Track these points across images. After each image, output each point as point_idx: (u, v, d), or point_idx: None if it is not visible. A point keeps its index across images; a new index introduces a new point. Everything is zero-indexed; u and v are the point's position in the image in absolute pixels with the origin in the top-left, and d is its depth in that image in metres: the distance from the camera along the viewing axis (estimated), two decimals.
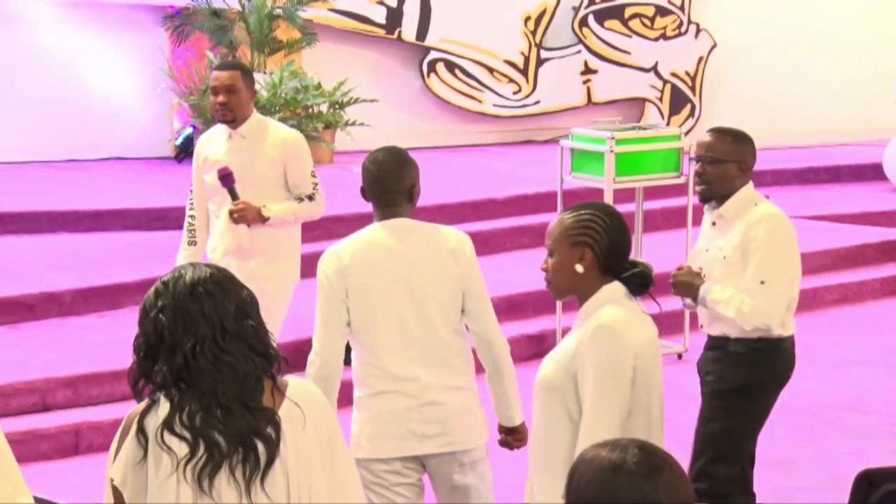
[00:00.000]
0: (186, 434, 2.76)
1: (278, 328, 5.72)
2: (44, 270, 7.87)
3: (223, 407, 2.77)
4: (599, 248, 3.47)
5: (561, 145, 7.65)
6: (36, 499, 3.09)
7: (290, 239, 5.91)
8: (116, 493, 2.84)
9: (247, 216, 5.63)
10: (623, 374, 3.39)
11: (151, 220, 8.92)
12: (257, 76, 8.92)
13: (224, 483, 2.77)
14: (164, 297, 2.85)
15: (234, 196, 5.66)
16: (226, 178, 5.69)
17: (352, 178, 10.34)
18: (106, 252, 8.32)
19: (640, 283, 3.50)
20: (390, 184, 4.24)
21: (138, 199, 9.25)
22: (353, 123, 10.27)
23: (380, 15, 11.16)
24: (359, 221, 8.77)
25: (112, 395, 6.54)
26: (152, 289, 2.89)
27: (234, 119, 5.71)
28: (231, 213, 5.63)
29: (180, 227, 9.18)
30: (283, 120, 8.52)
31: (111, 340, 7.07)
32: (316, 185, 5.82)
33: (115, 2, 10.54)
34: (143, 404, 2.83)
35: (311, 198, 5.80)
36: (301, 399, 2.86)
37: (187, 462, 2.76)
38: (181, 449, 2.77)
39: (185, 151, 10.67)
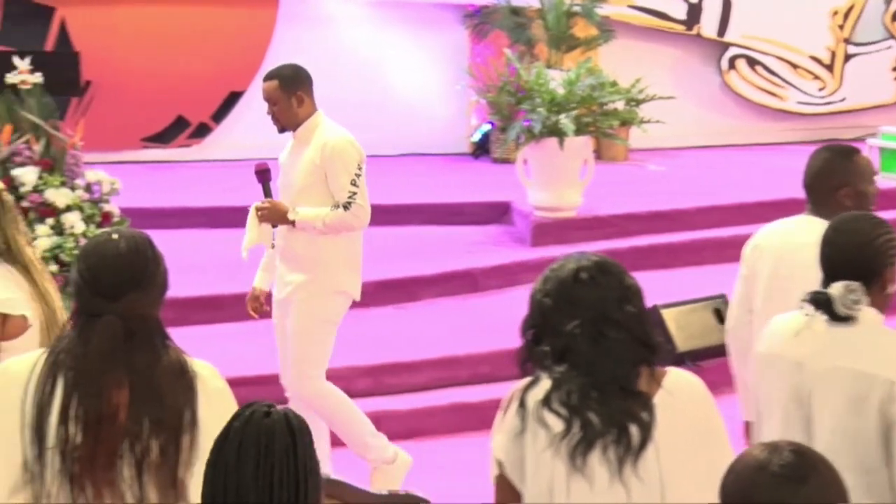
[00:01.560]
0: (563, 411, 2.85)
1: (297, 344, 5.42)
2: None
3: (600, 389, 2.85)
4: None
5: (868, 144, 7.39)
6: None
7: (327, 248, 5.44)
8: (499, 464, 2.94)
9: (271, 216, 5.47)
10: None
11: (447, 214, 9.07)
12: (553, 73, 8.95)
13: (596, 462, 2.84)
14: (549, 282, 2.96)
15: (266, 193, 5.53)
16: (259, 173, 5.57)
17: (646, 175, 10.29)
18: (404, 246, 8.50)
19: None
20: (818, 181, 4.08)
21: (435, 194, 9.42)
22: (649, 121, 10.17)
23: (680, 11, 11.02)
24: (650, 221, 8.77)
25: (409, 384, 6.69)
26: (542, 273, 3.00)
27: (281, 128, 5.63)
28: (257, 209, 5.53)
29: (475, 223, 9.36)
30: (578, 118, 8.50)
31: (408, 332, 7.23)
32: (353, 194, 5.36)
33: (418, 1, 10.78)
34: (526, 380, 2.94)
35: (346, 207, 5.36)
36: (677, 389, 2.89)
37: (562, 438, 2.84)
38: (557, 425, 2.86)
39: (481, 148, 10.82)
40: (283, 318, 5.52)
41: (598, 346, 2.85)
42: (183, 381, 2.89)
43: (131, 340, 2.87)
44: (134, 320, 2.88)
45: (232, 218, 8.70)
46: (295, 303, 5.45)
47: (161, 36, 10.41)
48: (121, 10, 10.37)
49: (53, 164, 7.03)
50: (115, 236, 2.95)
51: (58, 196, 6.95)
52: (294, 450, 2.45)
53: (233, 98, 10.64)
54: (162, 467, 2.85)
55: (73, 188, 7.03)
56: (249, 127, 10.66)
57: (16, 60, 7.07)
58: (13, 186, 6.93)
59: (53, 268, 6.88)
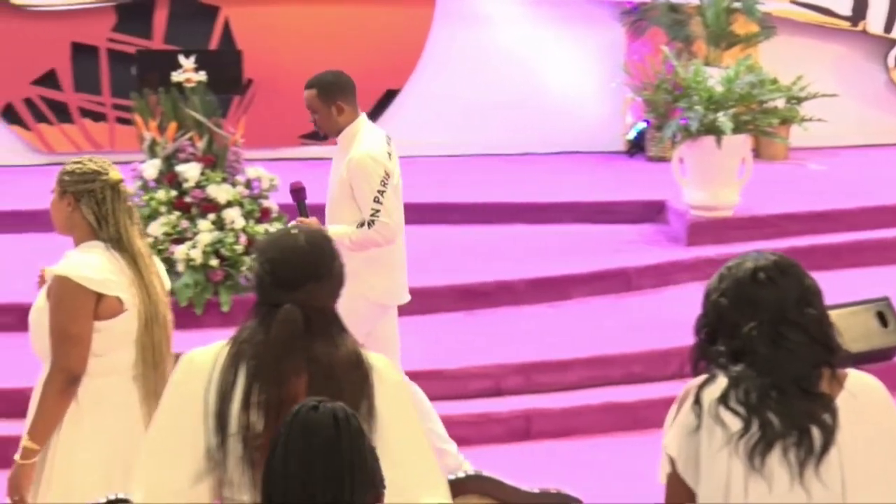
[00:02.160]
0: (741, 410, 2.81)
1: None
2: (498, 260, 8.12)
3: (780, 389, 2.80)
4: None
5: None
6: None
7: (357, 258, 5.28)
8: (671, 463, 2.91)
9: None
10: None
11: (601, 213, 9.01)
12: (712, 71, 8.83)
13: (776, 463, 2.79)
14: (726, 281, 2.91)
15: (301, 212, 5.48)
16: (294, 192, 5.56)
17: (806, 174, 10.08)
18: (557, 243, 8.48)
19: None
20: None
21: (589, 192, 9.37)
22: (811, 119, 9.96)
23: (844, 7, 10.77)
24: (810, 221, 8.59)
25: (560, 383, 6.67)
26: (717, 272, 2.95)
27: (324, 135, 5.64)
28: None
29: (629, 221, 9.28)
30: (736, 116, 8.38)
31: (560, 330, 7.21)
32: (376, 211, 5.35)
33: None
34: (701, 377, 2.90)
35: (370, 224, 5.36)
36: (860, 391, 2.85)
37: (740, 437, 2.80)
38: (734, 424, 2.81)
39: (636, 147, 10.72)
40: None
41: (777, 347, 2.81)
42: (359, 373, 2.93)
43: (310, 330, 2.92)
44: (312, 311, 2.93)
45: None
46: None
47: (320, 34, 10.55)
48: (282, 10, 10.54)
49: (215, 160, 7.18)
50: (294, 231, 3.03)
51: (219, 192, 7.10)
52: (338, 444, 2.46)
53: (389, 96, 10.74)
54: None
55: (233, 184, 7.18)
56: (405, 125, 10.73)
57: (181, 59, 7.24)
58: (177, 182, 7.10)
59: (214, 262, 7.03)
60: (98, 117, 10.42)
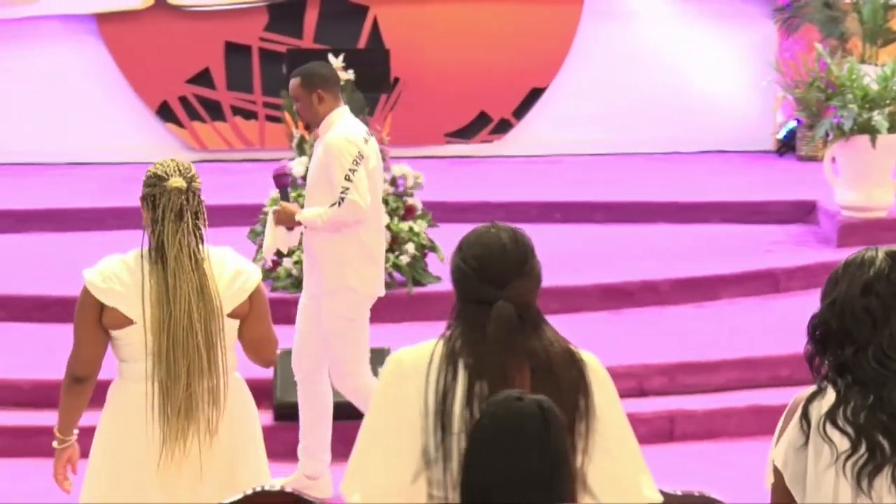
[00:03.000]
0: (849, 429, 2.76)
1: (329, 343, 5.54)
2: (643, 259, 8.06)
3: (889, 413, 2.74)
4: None
5: None
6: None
7: (338, 247, 5.51)
8: (777, 473, 2.87)
9: (282, 218, 5.52)
10: None
11: (749, 213, 8.89)
12: (867, 68, 8.63)
13: (885, 487, 2.74)
14: (842, 282, 2.83)
15: (283, 197, 5.60)
16: (277, 177, 5.65)
17: None
18: (703, 243, 8.38)
19: None
20: None
21: (737, 192, 9.25)
22: None
23: None
24: None
25: (706, 385, 6.59)
26: (833, 272, 2.88)
27: (306, 125, 5.66)
28: (273, 213, 5.58)
29: (778, 222, 9.13)
30: (892, 115, 8.18)
31: (707, 331, 7.12)
32: (346, 189, 5.40)
33: None
34: (809, 389, 2.85)
35: (340, 203, 5.41)
36: None
37: (847, 458, 2.75)
38: (842, 443, 2.77)
39: (787, 146, 10.54)
40: (309, 306, 5.63)
41: (883, 368, 2.74)
42: (574, 369, 2.93)
43: (523, 326, 2.91)
44: (521, 307, 2.92)
45: (528, 213, 8.81)
46: (319, 303, 5.56)
47: (466, 32, 10.59)
48: (429, 8, 10.60)
49: None
50: (493, 229, 3.01)
51: None
52: (547, 434, 2.44)
53: (534, 94, 10.73)
54: None
55: None
56: (550, 123, 10.73)
57: (330, 58, 7.33)
58: None
59: None
60: (249, 115, 10.62)
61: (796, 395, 2.88)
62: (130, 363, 3.89)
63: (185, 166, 3.89)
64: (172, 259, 3.80)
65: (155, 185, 3.85)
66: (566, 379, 2.89)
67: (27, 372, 6.49)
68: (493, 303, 2.90)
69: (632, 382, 6.56)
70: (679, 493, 3.25)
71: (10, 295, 7.38)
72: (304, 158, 7.24)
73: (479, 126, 10.75)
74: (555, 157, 10.57)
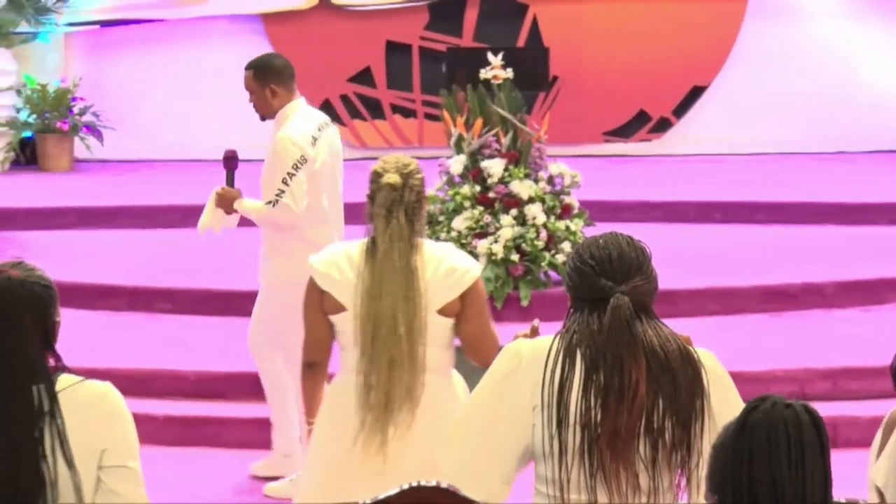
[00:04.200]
0: None
1: (256, 326, 5.63)
2: (806, 261, 7.88)
3: None
4: None
5: None
6: None
7: (282, 239, 5.54)
8: (879, 493, 2.77)
9: (221, 202, 5.62)
10: None
11: None
12: None
13: None
14: None
15: (228, 180, 5.69)
16: (227, 160, 5.74)
17: None
18: (870, 245, 8.16)
19: None
20: None
21: None
22: None
23: None
24: None
25: (871, 390, 6.41)
26: None
27: (261, 116, 5.70)
28: (216, 194, 5.66)
29: None
30: None
31: (872, 335, 6.92)
32: (280, 192, 5.42)
33: None
34: None
35: (273, 203, 5.45)
36: None
37: None
38: None
39: None
40: (262, 292, 5.73)
41: None
42: (691, 368, 2.92)
43: (640, 320, 2.93)
44: (637, 305, 2.94)
45: (686, 213, 8.69)
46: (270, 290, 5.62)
47: (626, 30, 10.50)
48: (589, 6, 10.53)
49: (519, 156, 7.24)
50: (610, 234, 3.05)
51: (521, 188, 7.14)
52: (820, 441, 2.40)
53: (695, 92, 10.58)
54: (674, 451, 2.88)
55: (536, 180, 7.21)
56: (711, 122, 10.56)
57: (490, 56, 7.33)
58: (481, 177, 7.19)
59: (515, 257, 7.09)
60: (408, 113, 10.69)
61: (891, 410, 2.77)
62: (344, 352, 3.98)
63: (405, 163, 3.97)
64: (382, 254, 3.88)
65: (374, 181, 3.95)
66: (682, 377, 2.89)
67: (192, 364, 6.63)
68: (609, 298, 2.91)
69: (793, 386, 6.40)
70: (843, 501, 3.14)
71: (177, 288, 7.55)
72: (462, 157, 7.26)
73: (638, 125, 10.64)
74: (715, 157, 10.40)
